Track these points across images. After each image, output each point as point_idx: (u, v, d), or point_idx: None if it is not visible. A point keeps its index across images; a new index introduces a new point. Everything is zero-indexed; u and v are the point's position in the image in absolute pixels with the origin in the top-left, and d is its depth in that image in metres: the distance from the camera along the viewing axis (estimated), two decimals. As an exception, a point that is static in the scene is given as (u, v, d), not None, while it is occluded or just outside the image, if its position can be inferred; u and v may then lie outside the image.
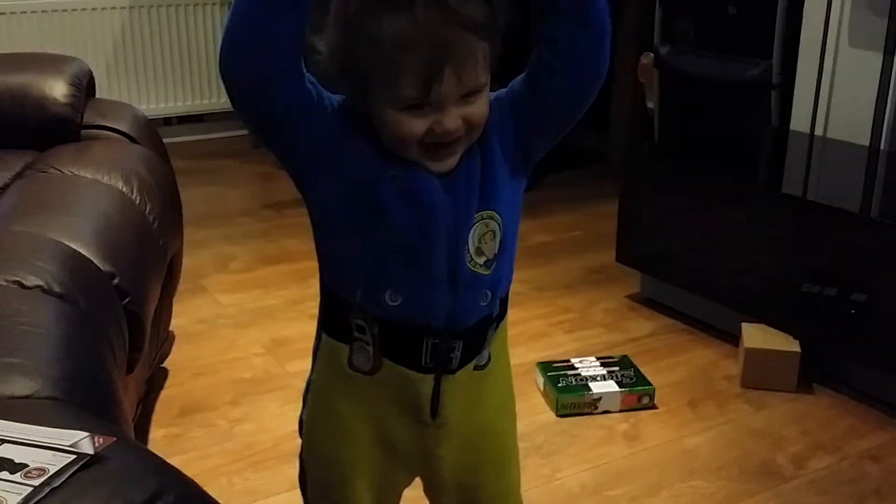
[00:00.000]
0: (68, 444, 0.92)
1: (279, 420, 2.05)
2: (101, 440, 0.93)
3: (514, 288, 1.16)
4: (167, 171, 2.22)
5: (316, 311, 1.16)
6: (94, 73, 2.41)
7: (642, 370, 2.24)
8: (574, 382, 2.16)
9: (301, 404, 1.21)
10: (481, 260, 1.07)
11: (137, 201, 1.92)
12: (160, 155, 2.28)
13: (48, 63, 2.36)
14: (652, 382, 2.18)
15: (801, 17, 2.71)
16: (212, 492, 1.01)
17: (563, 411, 2.11)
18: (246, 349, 2.40)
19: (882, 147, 2.56)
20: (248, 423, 2.06)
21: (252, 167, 3.78)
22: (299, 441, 1.22)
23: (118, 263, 1.65)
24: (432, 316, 1.07)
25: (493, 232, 1.07)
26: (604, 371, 2.22)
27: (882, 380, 2.16)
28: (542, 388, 2.20)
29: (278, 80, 0.96)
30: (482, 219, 1.06)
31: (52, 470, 0.88)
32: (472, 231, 1.06)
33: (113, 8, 3.94)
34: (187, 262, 2.40)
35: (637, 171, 2.72)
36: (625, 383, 2.17)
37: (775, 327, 2.29)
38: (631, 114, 3.57)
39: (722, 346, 2.44)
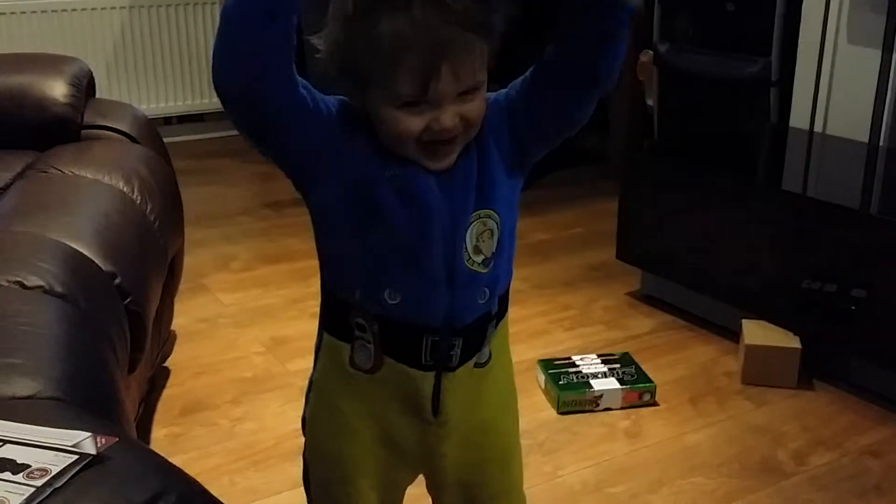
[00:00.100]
0: (70, 444, 0.93)
1: (280, 419, 2.06)
2: (103, 440, 0.94)
3: (515, 286, 1.16)
4: (168, 171, 2.22)
5: (316, 309, 1.16)
6: (94, 73, 2.42)
7: (643, 367, 2.24)
8: (575, 380, 2.16)
9: (303, 403, 1.21)
10: (479, 258, 1.07)
11: (138, 201, 1.92)
12: (160, 154, 2.28)
13: (48, 63, 2.37)
14: (653, 379, 2.18)
15: (800, 14, 2.71)
16: (213, 491, 1.02)
17: (564, 409, 2.12)
18: (247, 348, 2.41)
19: (881, 143, 2.57)
20: (249, 422, 2.07)
21: (252, 166, 3.78)
22: (301, 440, 1.23)
23: (119, 263, 1.65)
24: (431, 314, 1.07)
25: (491, 231, 1.08)
26: (605, 368, 2.22)
27: (882, 375, 2.16)
28: (543, 386, 2.21)
29: (270, 87, 0.96)
30: (479, 218, 1.07)
31: (55, 470, 0.88)
32: (469, 230, 1.06)
33: (112, 8, 3.95)
34: (188, 262, 2.40)
35: (637, 168, 2.72)
36: (626, 380, 2.17)
37: (776, 324, 2.29)
38: (630, 111, 3.57)
39: (722, 343, 2.44)
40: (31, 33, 3.76)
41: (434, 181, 1.04)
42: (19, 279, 1.41)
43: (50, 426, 0.98)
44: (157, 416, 2.08)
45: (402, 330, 1.08)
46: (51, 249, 1.55)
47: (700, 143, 2.83)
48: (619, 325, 2.57)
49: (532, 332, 2.50)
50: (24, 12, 3.76)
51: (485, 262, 1.08)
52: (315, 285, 1.15)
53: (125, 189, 1.92)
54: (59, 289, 1.42)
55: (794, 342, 2.23)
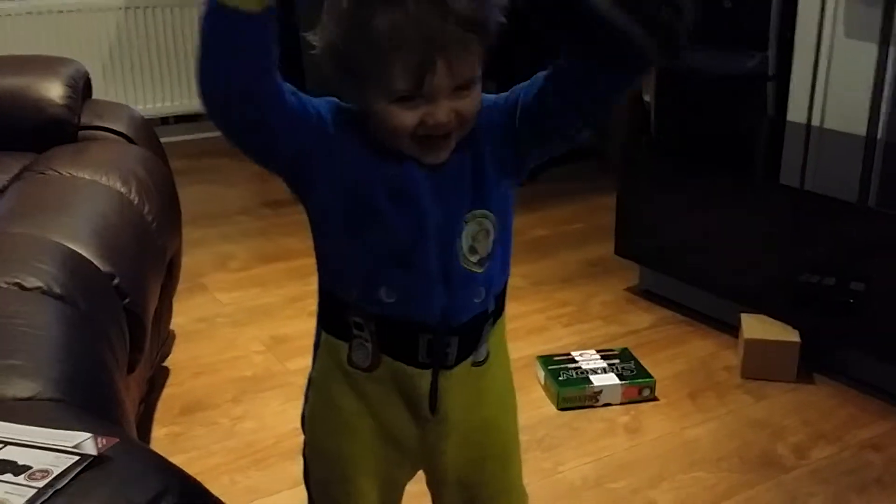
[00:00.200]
0: (71, 445, 0.93)
1: (280, 417, 2.06)
2: (103, 441, 0.94)
3: (513, 282, 1.16)
4: (165, 171, 2.22)
5: (315, 308, 1.16)
6: (91, 75, 2.41)
7: (642, 362, 2.24)
8: (575, 376, 2.17)
9: (302, 401, 1.21)
10: (474, 258, 1.08)
11: (136, 201, 1.92)
12: (158, 155, 2.28)
13: (44, 65, 2.36)
14: (652, 374, 2.19)
15: (797, 8, 2.71)
16: (214, 490, 1.02)
17: (564, 405, 2.12)
18: (246, 347, 2.41)
19: (879, 136, 2.57)
20: (249, 421, 2.07)
21: (249, 166, 3.71)
22: (301, 438, 1.23)
23: (118, 264, 1.65)
24: (426, 313, 1.08)
25: (487, 231, 1.08)
26: (604, 364, 2.22)
27: (882, 369, 2.16)
28: (542, 382, 2.21)
29: (254, 100, 0.96)
30: (475, 218, 1.07)
31: (56, 471, 0.88)
32: (465, 230, 1.06)
33: (108, 9, 3.94)
34: (186, 262, 2.40)
35: (634, 164, 2.72)
36: (625, 376, 2.17)
37: (774, 318, 2.29)
38: (628, 107, 3.56)
39: (721, 338, 2.44)
40: (26, 35, 3.75)
41: (427, 179, 1.04)
42: (18, 280, 1.41)
43: (50, 427, 0.98)
44: (157, 416, 2.08)
45: (399, 328, 1.09)
46: (49, 251, 1.55)
47: (697, 139, 2.83)
48: (617, 320, 2.57)
49: (531, 328, 2.50)
50: (19, 14, 3.76)
51: (480, 262, 1.08)
52: (313, 284, 1.15)
53: (123, 190, 1.92)
54: (57, 290, 1.42)
55: (793, 336, 2.23)
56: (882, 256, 2.08)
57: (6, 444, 0.94)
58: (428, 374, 1.11)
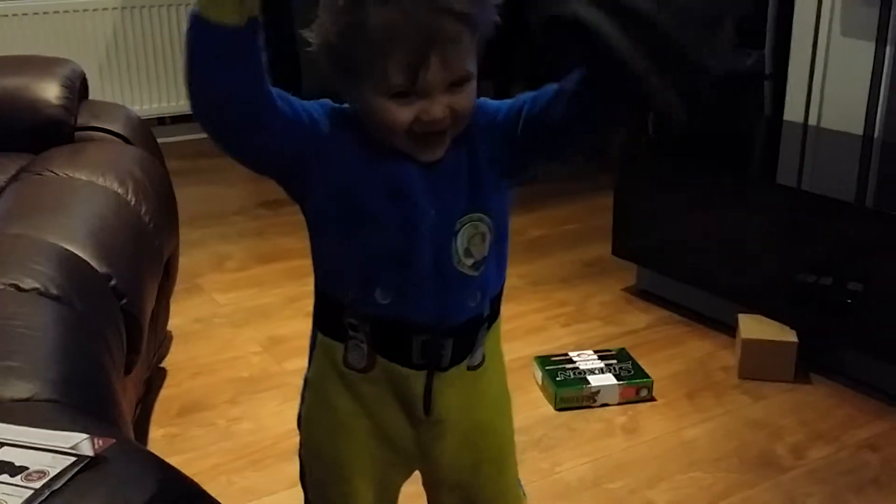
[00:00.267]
0: (68, 446, 0.93)
1: (278, 418, 2.05)
2: (100, 442, 0.94)
3: (511, 282, 1.16)
4: (162, 172, 2.22)
5: (311, 308, 1.16)
6: (87, 75, 2.41)
7: (640, 363, 2.24)
8: (572, 376, 2.17)
9: (299, 402, 1.21)
10: (469, 261, 1.08)
11: (133, 202, 1.92)
12: (154, 155, 2.28)
13: (41, 65, 2.36)
14: (650, 375, 2.19)
15: (793, 7, 2.71)
16: (211, 491, 1.02)
17: (561, 405, 2.12)
18: (243, 348, 2.40)
19: (875, 136, 2.57)
20: (246, 422, 2.07)
21: (246, 166, 3.77)
22: (298, 439, 1.23)
23: (115, 265, 1.65)
24: (421, 314, 1.08)
25: (483, 234, 1.08)
26: (602, 364, 2.22)
27: (879, 369, 2.16)
28: (540, 383, 2.21)
29: (244, 111, 0.96)
30: (471, 221, 1.07)
31: (53, 472, 0.88)
32: (460, 232, 1.06)
33: (104, 9, 3.94)
34: (183, 262, 2.40)
35: (632, 163, 2.72)
36: (623, 376, 2.17)
37: (772, 318, 2.29)
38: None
39: (719, 338, 2.44)
40: (22, 35, 3.75)
41: (422, 178, 1.04)
42: (15, 282, 1.41)
43: (47, 428, 0.98)
44: (155, 417, 2.08)
45: (394, 330, 1.09)
46: (46, 252, 1.55)
47: (695, 138, 2.83)
48: (615, 320, 2.57)
49: (528, 328, 2.50)
50: (15, 14, 3.75)
51: (475, 266, 1.08)
52: (310, 284, 1.15)
53: (119, 190, 1.92)
54: (54, 291, 1.42)
55: (790, 336, 2.23)
56: (879, 256, 2.08)
57: (3, 445, 0.94)
58: (422, 375, 1.11)
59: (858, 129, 2.58)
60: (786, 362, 2.22)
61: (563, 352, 2.30)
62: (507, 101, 1.08)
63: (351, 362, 1.12)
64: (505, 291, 1.17)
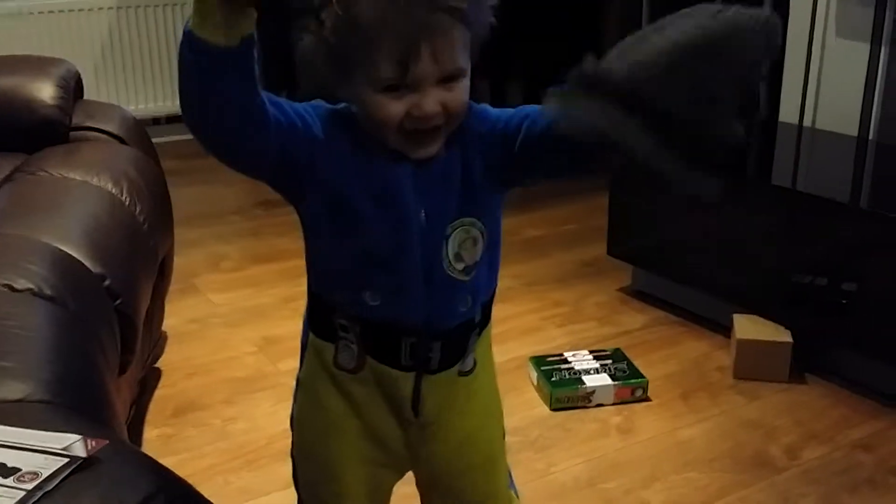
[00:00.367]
0: (61, 447, 0.92)
1: (272, 418, 2.05)
2: (93, 443, 0.93)
3: (506, 283, 1.17)
4: (157, 172, 2.22)
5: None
6: (82, 75, 2.41)
7: (635, 363, 2.24)
8: (567, 376, 2.17)
9: (292, 402, 1.22)
10: (460, 266, 1.08)
11: (127, 202, 1.92)
12: (149, 155, 2.27)
13: (35, 65, 2.36)
14: (645, 375, 2.19)
15: (788, 8, 2.72)
16: (206, 491, 1.01)
17: (556, 405, 2.12)
18: (238, 348, 2.40)
19: (870, 137, 2.57)
20: (241, 422, 2.06)
21: (242, 166, 3.76)
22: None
23: (109, 265, 1.65)
24: (409, 317, 1.08)
25: (474, 239, 1.08)
26: (597, 364, 2.22)
27: (874, 369, 2.16)
28: (535, 383, 2.21)
29: (238, 128, 0.97)
30: (463, 225, 1.07)
31: (45, 473, 0.88)
32: (451, 237, 1.06)
33: (100, 9, 3.93)
34: (178, 262, 2.39)
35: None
36: (618, 376, 2.17)
37: (767, 318, 2.29)
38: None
39: (714, 338, 2.45)
40: (17, 35, 3.74)
41: (413, 180, 1.04)
42: (8, 282, 1.40)
43: (40, 429, 0.98)
44: (149, 418, 2.08)
45: (383, 331, 1.09)
46: (40, 252, 1.55)
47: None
48: (610, 321, 2.57)
49: (524, 328, 2.50)
50: (10, 14, 3.75)
51: (466, 270, 1.08)
52: (306, 284, 1.15)
53: (114, 190, 1.92)
54: (48, 291, 1.42)
55: (785, 336, 2.24)
56: (874, 257, 2.08)
57: (-5, 446, 0.94)
58: (411, 377, 1.11)
59: (853, 131, 2.59)
60: (781, 363, 2.22)
61: (559, 352, 2.30)
62: (509, 111, 1.08)
63: (341, 363, 1.13)
64: (500, 292, 1.17)
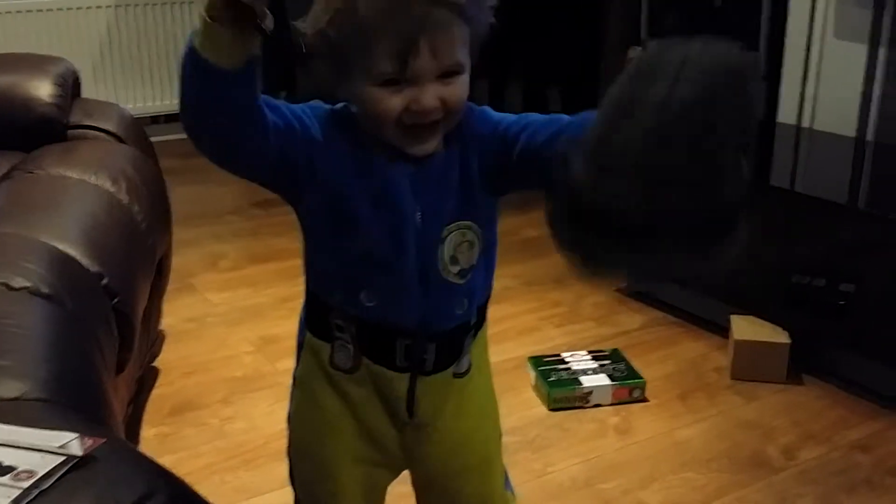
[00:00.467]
0: (57, 445, 0.92)
1: (270, 418, 2.05)
2: (90, 441, 0.93)
3: (504, 283, 1.17)
4: (155, 171, 2.22)
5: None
6: (80, 73, 2.40)
7: (633, 363, 2.24)
8: (565, 376, 2.16)
9: (289, 401, 1.22)
10: (455, 269, 1.08)
11: (125, 201, 1.91)
12: (147, 154, 2.27)
13: (33, 63, 2.35)
14: (643, 375, 2.19)
15: (787, 9, 2.72)
16: (203, 490, 1.01)
17: (554, 405, 2.12)
18: (236, 347, 2.40)
19: (868, 138, 2.57)
20: (239, 422, 2.06)
21: (240, 165, 3.76)
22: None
23: (106, 264, 1.65)
24: (404, 318, 1.08)
25: (471, 242, 1.08)
26: (595, 365, 2.22)
27: (871, 370, 2.16)
28: (533, 383, 2.21)
29: (237, 142, 0.98)
30: (459, 228, 1.07)
31: (41, 472, 0.88)
32: (447, 239, 1.06)
33: (98, 7, 3.93)
34: (176, 262, 2.39)
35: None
36: (616, 377, 2.17)
37: (764, 319, 2.29)
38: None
39: (712, 339, 2.45)
40: (15, 33, 3.74)
41: (410, 184, 1.04)
42: (5, 281, 1.40)
43: (37, 428, 0.97)
44: (147, 417, 2.08)
45: (378, 332, 1.10)
46: (37, 251, 1.55)
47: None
48: (608, 321, 2.57)
49: (522, 329, 2.50)
50: (8, 12, 3.74)
51: (461, 273, 1.08)
52: (303, 284, 1.15)
53: (112, 189, 1.91)
54: (45, 290, 1.41)
55: (783, 337, 2.24)
56: (872, 258, 2.08)
57: (-8, 444, 0.94)
58: (405, 377, 1.12)
59: (851, 132, 2.59)
60: (778, 363, 2.22)
61: (557, 352, 2.30)
62: (511, 118, 1.07)
63: (337, 363, 1.13)
64: (498, 292, 1.17)
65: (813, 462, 1.93)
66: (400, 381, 1.12)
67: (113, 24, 3.98)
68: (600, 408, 2.13)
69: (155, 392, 2.18)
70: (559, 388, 2.13)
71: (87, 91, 2.54)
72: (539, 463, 1.92)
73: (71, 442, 0.93)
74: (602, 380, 2.15)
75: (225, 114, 0.94)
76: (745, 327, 2.28)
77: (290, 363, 1.21)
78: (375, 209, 1.04)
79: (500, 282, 1.17)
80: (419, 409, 1.14)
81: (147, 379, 2.19)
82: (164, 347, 2.34)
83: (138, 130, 2.36)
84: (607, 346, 2.36)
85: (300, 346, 1.18)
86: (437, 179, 1.05)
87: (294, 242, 1.14)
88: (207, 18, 0.89)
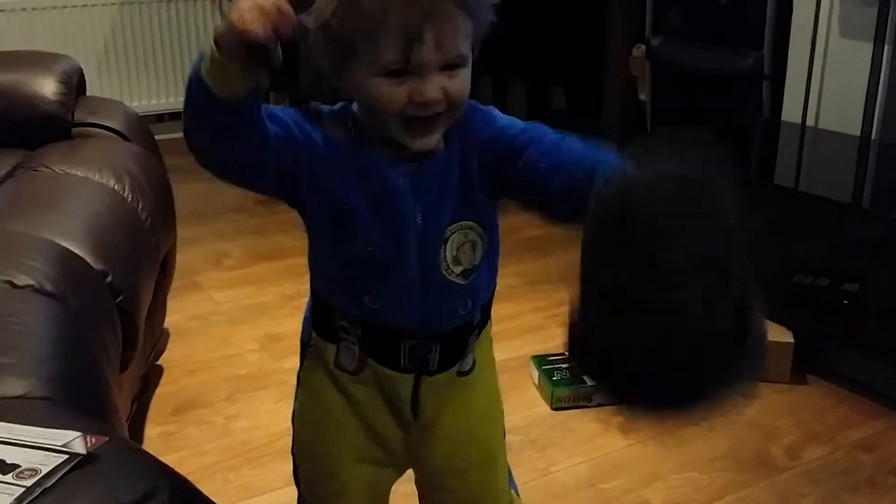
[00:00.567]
0: (60, 444, 0.92)
1: (274, 416, 2.05)
2: (93, 440, 0.93)
3: (509, 281, 1.17)
4: (159, 168, 2.22)
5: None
6: (85, 71, 2.41)
7: (636, 362, 2.23)
8: (569, 376, 2.16)
9: (293, 399, 1.22)
10: (458, 269, 1.08)
11: (129, 199, 1.92)
12: (152, 152, 2.27)
13: (38, 61, 2.36)
14: (646, 374, 2.18)
15: (792, 7, 2.71)
16: (207, 489, 1.01)
17: (557, 404, 2.12)
18: (240, 346, 2.40)
19: (873, 137, 2.57)
20: (243, 420, 2.06)
21: (245, 163, 3.76)
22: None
23: (111, 262, 1.65)
24: (408, 320, 1.08)
25: (473, 243, 1.08)
26: (598, 364, 2.22)
27: (874, 370, 2.16)
28: (536, 382, 2.21)
29: (246, 160, 0.99)
30: (461, 229, 1.07)
31: (44, 470, 0.88)
32: (449, 240, 1.06)
33: (103, 5, 3.93)
34: (181, 259, 2.39)
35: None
36: (619, 376, 2.16)
37: (768, 318, 2.28)
38: (623, 105, 3.57)
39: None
40: (20, 31, 3.74)
41: (410, 185, 1.04)
42: (9, 278, 1.40)
43: (40, 426, 0.97)
44: (151, 415, 2.08)
45: (382, 334, 1.10)
46: (41, 248, 1.55)
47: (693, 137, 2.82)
48: (612, 320, 2.56)
49: (526, 328, 2.50)
50: (13, 10, 3.75)
51: (464, 274, 1.08)
52: (308, 282, 1.15)
53: (116, 187, 1.92)
54: (49, 288, 1.42)
55: (786, 337, 2.23)
56: (875, 257, 2.08)
57: (-5, 442, 0.94)
58: (410, 378, 1.12)
59: (856, 130, 2.58)
60: (782, 363, 2.22)
61: (561, 351, 2.30)
62: (518, 126, 1.05)
63: (342, 363, 1.13)
64: (502, 290, 1.17)
65: (816, 462, 1.92)
66: (404, 382, 1.12)
67: (118, 22, 3.98)
68: (603, 407, 2.12)
69: (159, 390, 2.18)
70: (563, 388, 2.13)
71: (92, 89, 2.54)
72: (542, 462, 1.92)
73: (74, 440, 0.93)
74: (605, 379, 2.15)
75: (227, 138, 0.95)
76: (749, 326, 2.28)
77: (294, 361, 1.22)
78: (375, 210, 1.04)
79: (503, 280, 1.17)
80: (423, 409, 1.14)
81: (151, 377, 2.20)
82: (169, 345, 2.35)
83: (143, 128, 2.36)
84: (611, 345, 2.35)
85: (304, 345, 1.18)
86: (437, 179, 1.05)
87: (298, 240, 1.14)
88: (217, 51, 0.90)
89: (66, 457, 0.91)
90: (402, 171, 1.04)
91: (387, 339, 1.10)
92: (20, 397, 1.11)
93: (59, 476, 0.88)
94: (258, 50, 0.90)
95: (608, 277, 0.85)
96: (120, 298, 1.62)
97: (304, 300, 1.18)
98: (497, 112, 1.09)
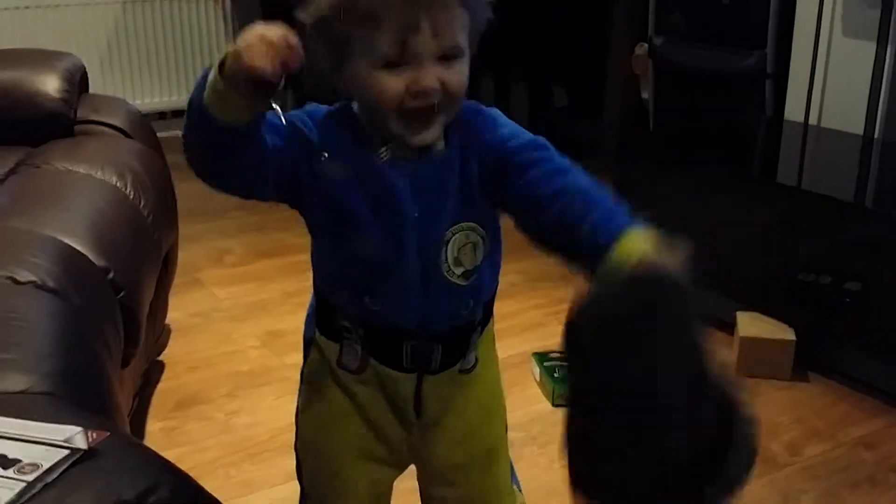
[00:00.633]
0: (62, 439, 0.93)
1: (276, 412, 2.06)
2: (94, 435, 0.94)
3: (510, 279, 1.17)
4: (161, 166, 2.22)
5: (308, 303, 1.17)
6: (87, 68, 2.41)
7: (637, 360, 2.23)
8: (569, 373, 2.16)
9: (297, 395, 1.22)
10: (459, 270, 1.07)
11: (131, 196, 1.92)
12: (154, 149, 2.28)
13: (41, 58, 2.36)
14: (647, 372, 2.18)
15: (795, 6, 2.71)
16: (209, 484, 1.02)
17: (559, 401, 2.12)
18: (242, 342, 2.40)
19: (876, 136, 2.57)
20: (244, 416, 2.07)
21: (247, 160, 3.76)
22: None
23: (112, 258, 1.65)
24: (409, 321, 1.08)
25: (474, 244, 1.07)
26: (599, 361, 2.22)
27: (876, 367, 2.16)
28: (538, 379, 2.21)
29: (246, 178, 1.00)
30: (462, 230, 1.06)
31: (46, 465, 0.88)
32: (451, 241, 1.06)
33: (106, 3, 3.94)
34: (182, 256, 2.39)
35: (631, 160, 2.72)
36: (620, 373, 2.17)
37: (770, 316, 2.29)
38: (625, 104, 3.57)
39: (716, 335, 2.44)
40: (23, 28, 3.75)
41: (409, 186, 1.04)
42: (11, 275, 1.40)
43: (41, 421, 0.98)
44: (152, 411, 2.08)
45: (384, 334, 1.10)
46: (43, 245, 1.55)
47: (695, 136, 2.83)
48: (613, 317, 2.56)
49: (527, 325, 2.50)
50: (17, 8, 3.75)
51: (465, 275, 1.08)
52: (310, 279, 1.16)
53: (118, 184, 1.92)
54: (51, 284, 1.42)
55: (788, 334, 2.23)
56: (877, 256, 2.08)
57: (-3, 437, 0.94)
58: (412, 378, 1.12)
59: (859, 129, 2.58)
60: (783, 360, 2.22)
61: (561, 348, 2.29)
62: (522, 139, 1.04)
63: (345, 363, 1.13)
64: (504, 288, 1.17)
65: (817, 458, 1.92)
66: (407, 382, 1.12)
67: (120, 20, 3.98)
68: (605, 404, 2.12)
69: (160, 386, 2.19)
70: (564, 384, 2.12)
71: (95, 86, 2.54)
72: (544, 458, 1.92)
73: (75, 435, 0.93)
74: (607, 376, 2.15)
75: (228, 156, 0.96)
76: (751, 324, 2.28)
77: (296, 357, 1.22)
78: (375, 210, 1.04)
79: (505, 278, 1.17)
80: (426, 408, 1.14)
81: (153, 373, 2.20)
82: (170, 342, 2.35)
83: (145, 126, 2.37)
84: (612, 343, 2.35)
85: (307, 342, 1.18)
86: (437, 180, 1.04)
87: (299, 237, 1.14)
88: (221, 80, 0.90)
89: (67, 452, 0.91)
90: (402, 171, 1.04)
91: (388, 339, 1.10)
92: (22, 393, 1.11)
93: (60, 471, 0.88)
94: (265, 85, 0.90)
95: (589, 411, 0.92)
96: (122, 295, 1.62)
97: (306, 297, 1.18)
98: (501, 117, 1.08)
